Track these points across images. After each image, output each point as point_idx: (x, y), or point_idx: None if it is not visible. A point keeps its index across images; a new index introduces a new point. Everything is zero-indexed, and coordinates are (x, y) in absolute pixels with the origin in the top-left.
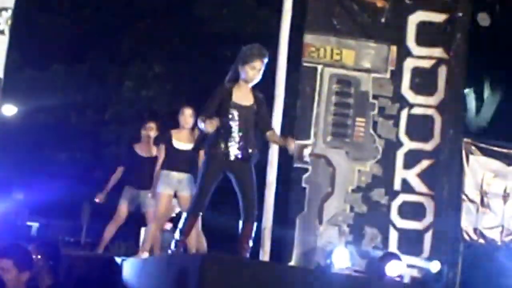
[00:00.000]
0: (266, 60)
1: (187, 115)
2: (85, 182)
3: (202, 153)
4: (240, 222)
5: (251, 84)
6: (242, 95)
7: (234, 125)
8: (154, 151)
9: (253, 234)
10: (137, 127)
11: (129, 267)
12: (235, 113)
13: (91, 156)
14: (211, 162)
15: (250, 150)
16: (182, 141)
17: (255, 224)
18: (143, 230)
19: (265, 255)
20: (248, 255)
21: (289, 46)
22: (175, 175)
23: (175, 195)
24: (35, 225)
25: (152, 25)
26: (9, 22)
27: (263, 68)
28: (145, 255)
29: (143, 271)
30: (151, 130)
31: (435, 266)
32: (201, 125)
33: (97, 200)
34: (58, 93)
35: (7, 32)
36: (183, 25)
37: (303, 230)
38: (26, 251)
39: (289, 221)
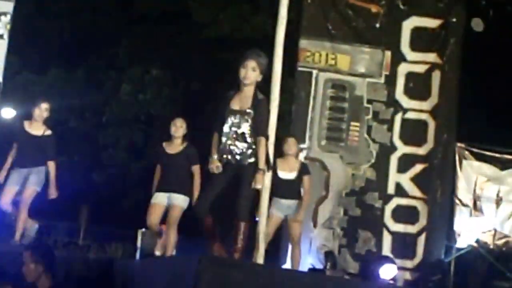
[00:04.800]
0: (260, 60)
1: (291, 143)
2: (83, 184)
3: (306, 178)
4: None
5: (248, 84)
6: (241, 100)
7: (227, 130)
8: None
9: (241, 233)
10: (134, 130)
11: (126, 269)
12: (229, 119)
13: (90, 158)
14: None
15: (236, 157)
16: (285, 170)
17: (247, 222)
18: (139, 232)
19: (259, 258)
20: (239, 255)
21: (284, 51)
22: (285, 202)
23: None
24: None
25: (149, 29)
26: (8, 26)
27: (257, 68)
28: None
29: (140, 273)
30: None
31: None
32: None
33: None
34: (57, 97)
35: (6, 36)
36: (180, 29)
37: None
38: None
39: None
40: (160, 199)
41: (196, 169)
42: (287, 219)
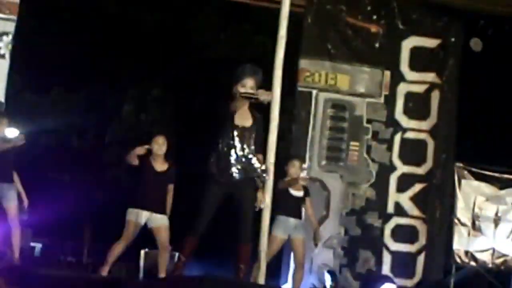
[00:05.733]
0: (257, 77)
1: (298, 166)
2: (86, 203)
3: (308, 200)
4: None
5: (246, 102)
6: (242, 115)
7: (235, 146)
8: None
9: (247, 255)
10: None
11: None
12: (236, 134)
13: (92, 178)
14: (213, 184)
15: (250, 172)
16: (297, 189)
17: (250, 245)
18: (142, 252)
19: (260, 278)
20: (242, 276)
21: (284, 70)
22: (292, 221)
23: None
24: (38, 246)
25: (150, 49)
26: (10, 46)
27: (255, 86)
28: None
29: None
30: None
31: None
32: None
33: None
34: (59, 117)
35: (8, 56)
36: (181, 49)
37: None
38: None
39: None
40: (137, 217)
41: (171, 187)
42: (289, 239)
